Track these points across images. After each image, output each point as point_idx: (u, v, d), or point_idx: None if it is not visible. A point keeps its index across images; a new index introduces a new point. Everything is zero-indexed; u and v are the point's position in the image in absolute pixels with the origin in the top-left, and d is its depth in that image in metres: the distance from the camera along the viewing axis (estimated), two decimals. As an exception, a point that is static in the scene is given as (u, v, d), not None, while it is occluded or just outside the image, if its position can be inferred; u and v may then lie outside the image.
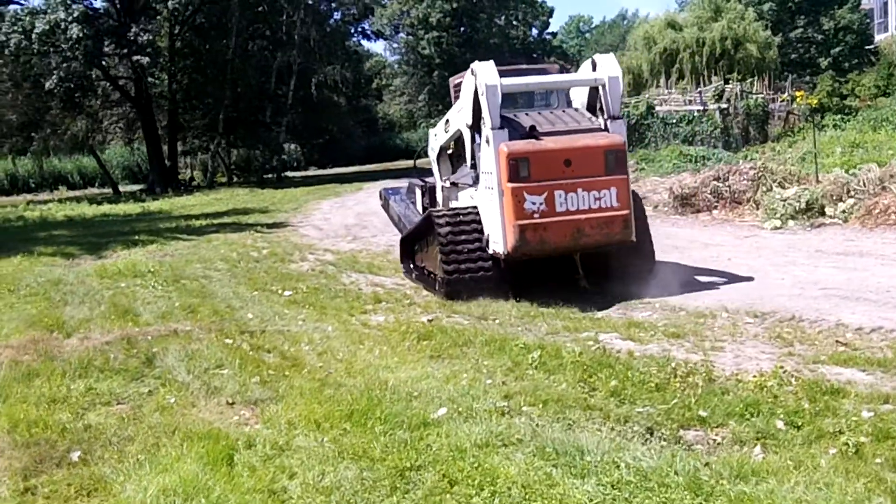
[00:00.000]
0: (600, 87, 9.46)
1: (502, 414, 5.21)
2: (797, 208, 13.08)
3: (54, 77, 34.92)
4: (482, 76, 9.03)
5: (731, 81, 27.17)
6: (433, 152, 12.19)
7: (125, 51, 36.86)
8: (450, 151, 11.65)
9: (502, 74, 9.17)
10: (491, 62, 9.27)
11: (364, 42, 55.38)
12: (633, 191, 9.41)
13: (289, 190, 33.51)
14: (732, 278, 9.58)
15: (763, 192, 13.86)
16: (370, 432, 4.98)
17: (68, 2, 35.31)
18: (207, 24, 40.63)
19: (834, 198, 13.25)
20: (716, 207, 14.68)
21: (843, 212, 12.90)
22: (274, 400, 5.81)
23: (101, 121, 41.65)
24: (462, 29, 59.02)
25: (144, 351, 7.29)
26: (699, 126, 24.19)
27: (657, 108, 25.72)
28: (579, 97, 10.12)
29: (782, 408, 5.04)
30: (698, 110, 24.78)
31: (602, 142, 9.07)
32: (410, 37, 60.24)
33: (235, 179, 45.50)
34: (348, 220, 19.38)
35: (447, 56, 56.64)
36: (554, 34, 72.64)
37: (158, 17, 39.29)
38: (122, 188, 44.80)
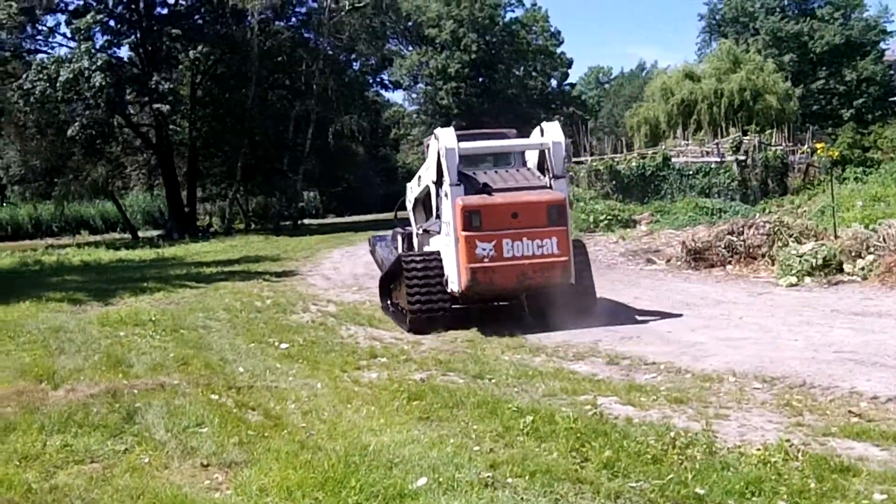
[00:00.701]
0: (546, 150, 10.74)
1: (486, 486, 4.88)
2: (814, 264, 12.69)
3: (76, 124, 35.40)
4: (443, 140, 10.46)
5: (749, 133, 26.95)
6: (409, 203, 13.46)
7: (146, 98, 37.40)
8: (423, 203, 12.74)
9: (463, 139, 10.73)
10: (451, 129, 10.88)
11: (383, 92, 55.71)
12: (577, 239, 11.37)
13: (304, 238, 33.51)
14: (742, 339, 9.21)
15: (779, 247, 13.52)
16: (342, 503, 4.67)
17: (92, 51, 35.97)
18: (227, 74, 41.17)
19: (853, 254, 12.86)
20: (730, 262, 14.34)
21: (862, 269, 12.51)
22: (249, 463, 5.52)
23: (123, 167, 42.05)
24: (480, 79, 59.54)
25: (127, 406, 7.04)
26: (716, 178, 23.91)
27: (673, 159, 25.49)
28: (532, 158, 11.43)
29: (786, 486, 4.67)
30: (715, 162, 24.53)
31: (545, 197, 10.35)
32: (429, 87, 60.80)
33: (253, 226, 45.71)
34: (357, 270, 19.16)
35: (465, 106, 57.07)
36: (573, 85, 73.05)
37: (181, 67, 39.86)
38: (142, 233, 45.21)
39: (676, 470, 4.99)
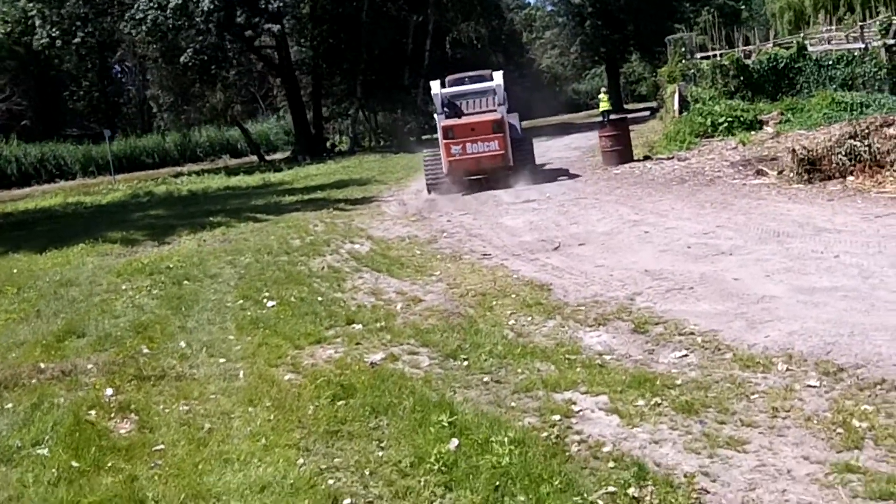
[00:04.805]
0: (496, 89, 17.67)
1: None
2: (961, 176, 9.79)
3: (189, 50, 35.01)
4: (433, 89, 17.74)
5: (904, 11, 22.51)
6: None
7: (257, 19, 36.44)
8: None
9: (451, 84, 18.77)
10: (438, 81, 18.11)
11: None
12: (521, 137, 18.29)
13: (418, 154, 31.94)
14: (828, 291, 6.83)
15: (912, 153, 10.60)
16: None
17: (200, -26, 35.16)
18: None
19: None
20: (851, 173, 11.48)
21: None
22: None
23: (243, 91, 41.67)
24: (618, -27, 54.73)
25: None
26: (860, 68, 20.04)
27: (810, 48, 21.65)
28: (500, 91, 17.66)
29: None
30: (860, 49, 20.58)
31: (489, 118, 17.11)
32: (562, -15, 56.70)
33: (382, 143, 44.64)
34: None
35: (600, 4, 52.72)
36: (723, -29, 66.21)
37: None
38: (280, 155, 45.07)
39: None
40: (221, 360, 6.53)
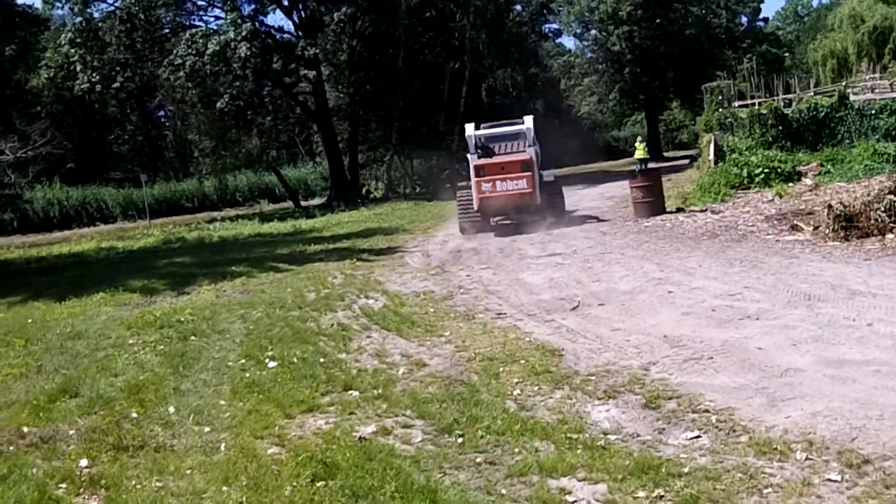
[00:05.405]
0: (526, 132, 18.73)
1: None
2: None
3: (226, 96, 35.45)
4: (468, 131, 19.04)
5: (949, 60, 21.86)
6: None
7: (293, 66, 36.84)
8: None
9: (485, 127, 19.70)
10: (472, 124, 19.33)
11: (546, 44, 52.43)
12: (551, 178, 19.42)
13: (451, 202, 31.69)
14: (858, 365, 6.32)
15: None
16: None
17: (238, 21, 35.72)
18: (376, 34, 39.79)
19: None
20: (891, 230, 10.91)
21: None
22: None
23: (278, 136, 42.01)
24: (656, 21, 54.53)
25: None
26: (904, 118, 19.42)
27: (852, 97, 21.07)
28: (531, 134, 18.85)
29: None
30: (904, 98, 19.99)
31: (518, 158, 18.27)
32: (602, 33, 56.55)
33: (418, 189, 44.57)
34: (465, 245, 17.16)
35: (639, 51, 52.42)
36: (766, 20, 65.94)
37: (327, 30, 38.99)
38: (317, 200, 45.18)
39: None
40: (206, 429, 6.21)
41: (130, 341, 10.01)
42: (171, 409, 6.79)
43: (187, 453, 5.70)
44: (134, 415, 6.75)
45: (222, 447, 5.78)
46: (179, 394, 7.32)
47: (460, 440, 5.63)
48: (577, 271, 12.18)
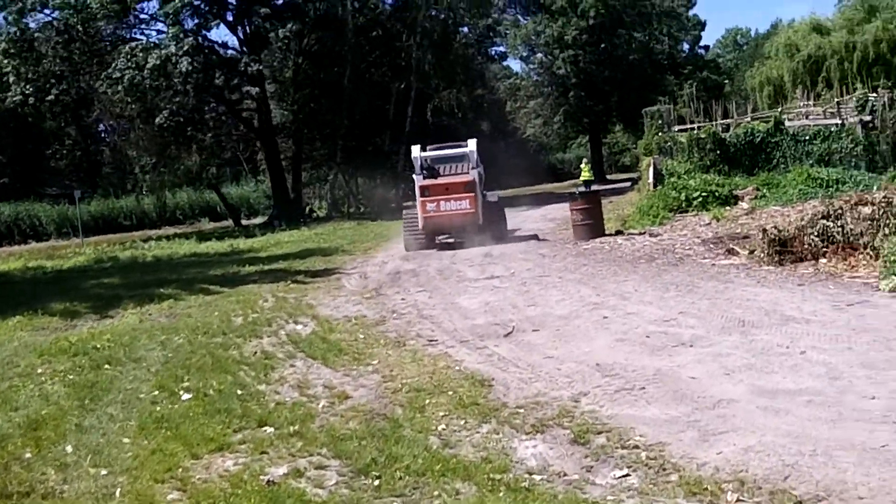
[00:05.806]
0: (469, 153, 19.62)
1: None
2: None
3: (165, 112, 34.65)
4: (414, 152, 19.80)
5: (879, 89, 22.26)
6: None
7: (236, 81, 36.18)
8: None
9: (430, 149, 20.30)
10: (418, 146, 20.06)
11: (496, 64, 52.60)
12: (495, 199, 20.22)
13: (395, 222, 31.33)
14: (792, 394, 6.13)
15: (884, 235, 10.00)
16: None
17: (180, 35, 34.99)
18: (322, 52, 39.35)
19: None
20: (823, 255, 10.88)
21: None
22: None
23: (219, 154, 41.16)
24: (601, 46, 55.10)
25: None
26: (837, 143, 19.70)
27: (787, 122, 21.35)
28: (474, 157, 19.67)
29: None
30: (836, 125, 20.26)
31: (461, 179, 19.05)
32: (547, 57, 56.92)
33: (362, 209, 44.09)
34: (404, 267, 16.82)
35: (584, 74, 52.91)
36: (707, 48, 67.14)
37: (273, 47, 38.47)
38: (260, 219, 44.32)
39: None
40: (103, 472, 5.73)
41: (39, 370, 9.43)
42: (69, 449, 6.29)
43: (78, 500, 5.23)
44: (27, 455, 6.24)
45: (117, 493, 5.32)
46: (81, 430, 6.80)
47: (377, 482, 5.26)
48: (513, 295, 11.93)
